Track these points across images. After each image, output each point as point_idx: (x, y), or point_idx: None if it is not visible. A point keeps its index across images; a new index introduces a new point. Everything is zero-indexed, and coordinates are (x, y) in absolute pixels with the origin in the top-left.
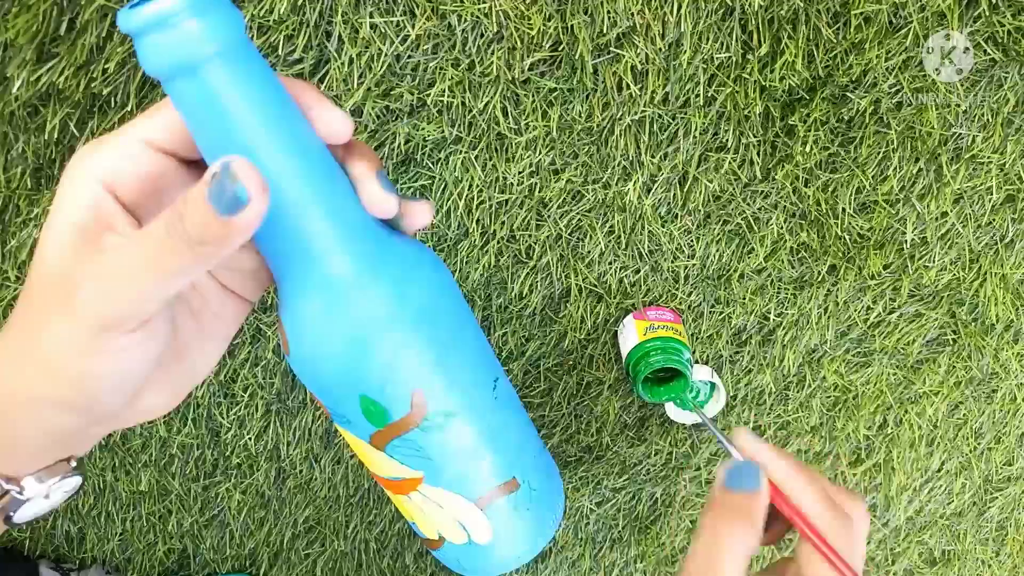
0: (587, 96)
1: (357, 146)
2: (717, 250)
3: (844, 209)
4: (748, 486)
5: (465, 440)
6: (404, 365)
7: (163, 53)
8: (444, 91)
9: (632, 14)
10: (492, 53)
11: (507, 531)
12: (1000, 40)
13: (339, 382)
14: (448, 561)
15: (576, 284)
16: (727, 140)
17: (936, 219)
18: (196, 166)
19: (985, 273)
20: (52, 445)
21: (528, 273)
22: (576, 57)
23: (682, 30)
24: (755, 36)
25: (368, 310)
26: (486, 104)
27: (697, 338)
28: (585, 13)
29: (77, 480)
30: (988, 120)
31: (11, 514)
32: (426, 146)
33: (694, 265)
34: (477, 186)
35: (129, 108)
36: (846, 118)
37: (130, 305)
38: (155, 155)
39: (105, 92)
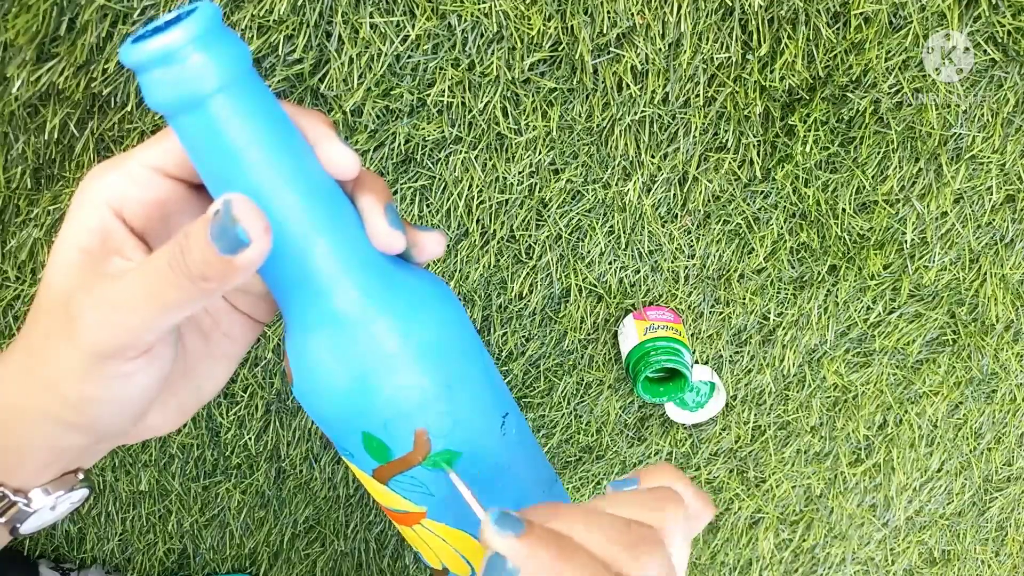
0: (587, 96)
1: (367, 178)
2: (717, 250)
3: (844, 209)
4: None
5: (469, 478)
6: (407, 403)
7: (167, 89)
8: (444, 91)
9: (632, 14)
10: (492, 53)
11: None
12: (1000, 40)
13: (341, 417)
14: None
15: (576, 284)
16: (727, 140)
17: (936, 219)
18: (205, 191)
19: (985, 273)
20: (59, 459)
21: (528, 273)
22: (576, 57)
23: (682, 30)
24: (755, 36)
25: (371, 348)
26: (486, 104)
27: (697, 338)
28: (585, 13)
29: (84, 492)
30: (988, 120)
31: (18, 525)
32: (426, 146)
33: (694, 265)
34: (477, 186)
35: (129, 108)
36: (846, 118)
37: (129, 335)
38: (163, 181)
39: (105, 92)
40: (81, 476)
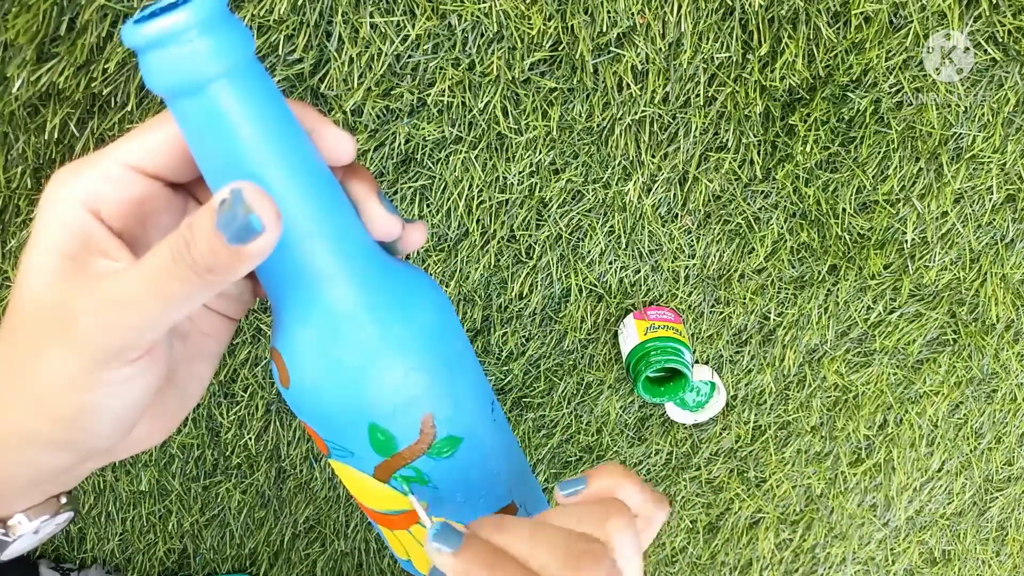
0: (587, 96)
1: (357, 168)
2: (717, 250)
3: (844, 209)
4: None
5: (469, 465)
6: (417, 387)
7: (168, 71)
8: (444, 91)
9: (632, 14)
10: (492, 53)
11: None
12: (1000, 40)
13: (346, 411)
14: None
15: (576, 284)
16: (727, 140)
17: (936, 219)
18: (182, 189)
19: (985, 273)
20: (41, 483)
21: (528, 273)
22: (576, 57)
23: (682, 30)
24: (755, 36)
25: (380, 333)
26: (486, 104)
27: (697, 338)
28: (585, 13)
29: (69, 515)
30: (988, 120)
31: None
32: (426, 146)
33: (694, 265)
34: (477, 186)
35: (129, 108)
36: (846, 118)
37: (133, 334)
38: (140, 179)
39: (105, 92)
40: (64, 500)
